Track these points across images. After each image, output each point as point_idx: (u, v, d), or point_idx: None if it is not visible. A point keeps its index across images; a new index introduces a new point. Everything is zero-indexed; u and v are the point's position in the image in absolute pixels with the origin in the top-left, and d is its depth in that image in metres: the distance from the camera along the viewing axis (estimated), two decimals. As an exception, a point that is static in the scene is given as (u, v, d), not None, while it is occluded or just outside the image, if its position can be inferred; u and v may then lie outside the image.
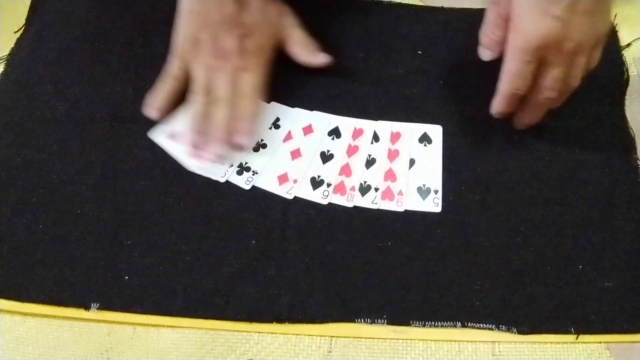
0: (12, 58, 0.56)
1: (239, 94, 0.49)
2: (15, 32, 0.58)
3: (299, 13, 0.57)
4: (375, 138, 0.50)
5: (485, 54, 0.48)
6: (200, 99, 0.49)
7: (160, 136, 0.50)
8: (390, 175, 0.49)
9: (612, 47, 0.56)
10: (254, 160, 0.49)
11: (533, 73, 0.44)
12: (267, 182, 0.48)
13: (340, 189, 0.48)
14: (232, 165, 0.49)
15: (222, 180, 0.48)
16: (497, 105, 0.48)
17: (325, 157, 0.50)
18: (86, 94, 0.53)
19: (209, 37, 0.48)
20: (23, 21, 0.58)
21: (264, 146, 0.50)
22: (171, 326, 0.43)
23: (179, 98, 0.50)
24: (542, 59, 0.44)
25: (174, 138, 0.50)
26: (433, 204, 0.47)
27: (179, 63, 0.50)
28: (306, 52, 0.53)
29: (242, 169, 0.49)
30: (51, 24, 0.58)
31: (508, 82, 0.45)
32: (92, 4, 0.59)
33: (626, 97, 0.53)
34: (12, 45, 0.57)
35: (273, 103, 0.52)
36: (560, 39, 0.42)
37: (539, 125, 0.51)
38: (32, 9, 0.59)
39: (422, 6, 0.59)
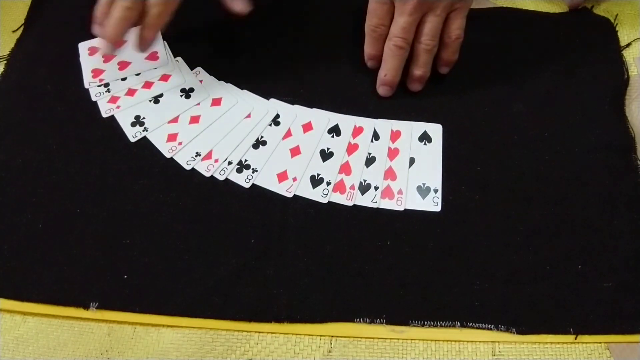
0: (12, 58, 0.56)
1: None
2: (14, 32, 0.58)
3: (300, 12, 0.57)
4: (375, 136, 0.50)
5: None
6: None
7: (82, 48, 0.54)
8: (390, 174, 0.49)
9: (612, 47, 0.56)
10: (254, 157, 0.49)
11: (388, 14, 0.50)
12: (267, 180, 0.48)
13: (340, 187, 0.48)
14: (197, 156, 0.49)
15: (188, 167, 0.49)
16: (365, 46, 0.52)
17: (325, 155, 0.50)
18: (86, 94, 0.53)
19: None
20: (23, 21, 0.59)
21: (264, 143, 0.50)
22: (171, 326, 0.43)
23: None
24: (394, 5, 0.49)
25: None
26: (433, 203, 0.47)
27: None
28: None
29: (242, 166, 0.49)
30: (51, 24, 0.58)
31: (367, 20, 0.51)
32: (92, 4, 0.59)
33: (626, 97, 0.53)
34: (12, 45, 0.57)
35: (273, 100, 0.53)
36: None
37: (535, 123, 0.51)
38: (32, 9, 0.60)
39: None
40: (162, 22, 0.51)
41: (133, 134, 0.50)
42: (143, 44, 0.51)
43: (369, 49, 0.52)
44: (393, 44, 0.50)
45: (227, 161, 0.49)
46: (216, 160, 0.49)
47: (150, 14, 0.50)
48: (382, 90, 0.52)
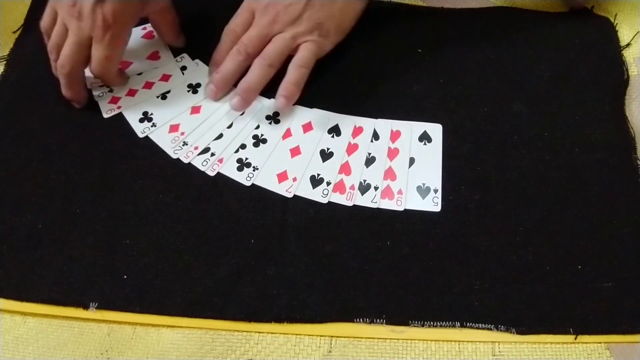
0: (12, 58, 0.56)
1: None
2: (14, 32, 0.58)
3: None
4: (375, 136, 0.50)
5: None
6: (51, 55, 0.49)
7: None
8: (390, 174, 0.49)
9: (612, 47, 0.56)
10: (255, 156, 0.49)
11: (246, 23, 0.51)
12: (266, 180, 0.48)
13: (339, 187, 0.48)
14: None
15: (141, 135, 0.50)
16: (217, 48, 0.52)
17: (325, 155, 0.50)
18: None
19: None
20: (23, 21, 0.59)
21: (264, 141, 0.50)
22: (171, 326, 0.43)
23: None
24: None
25: None
26: (432, 203, 0.47)
27: (50, 12, 0.49)
28: (171, 32, 0.54)
29: (243, 164, 0.49)
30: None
31: (229, 23, 0.52)
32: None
33: (626, 97, 0.53)
34: (12, 45, 0.57)
35: (272, 100, 0.52)
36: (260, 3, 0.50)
37: (536, 126, 0.51)
38: (32, 9, 0.59)
39: (422, 6, 0.59)
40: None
41: (142, 129, 0.51)
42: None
43: (221, 52, 0.52)
44: (236, 47, 0.51)
45: (192, 146, 0.50)
46: (182, 134, 0.50)
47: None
48: (208, 89, 0.52)
